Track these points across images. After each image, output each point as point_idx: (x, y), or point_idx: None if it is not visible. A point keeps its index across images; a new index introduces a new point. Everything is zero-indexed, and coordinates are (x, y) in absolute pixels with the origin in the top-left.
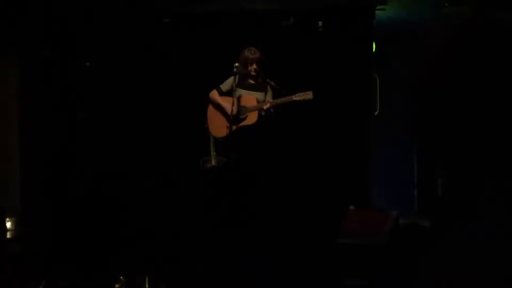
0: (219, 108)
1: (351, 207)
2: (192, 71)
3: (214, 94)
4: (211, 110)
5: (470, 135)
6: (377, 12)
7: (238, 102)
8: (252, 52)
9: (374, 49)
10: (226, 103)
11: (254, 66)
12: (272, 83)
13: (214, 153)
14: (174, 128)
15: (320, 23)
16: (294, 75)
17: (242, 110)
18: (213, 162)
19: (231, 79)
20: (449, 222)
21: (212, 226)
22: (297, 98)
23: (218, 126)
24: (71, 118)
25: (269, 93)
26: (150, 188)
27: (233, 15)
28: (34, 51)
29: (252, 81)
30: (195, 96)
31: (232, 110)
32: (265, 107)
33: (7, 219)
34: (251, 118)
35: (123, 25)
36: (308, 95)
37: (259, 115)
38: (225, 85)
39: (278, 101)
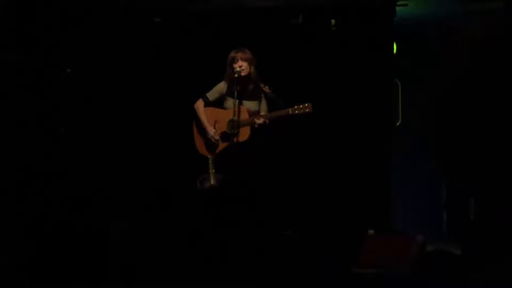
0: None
1: (371, 231)
2: (186, 76)
3: (198, 106)
4: (196, 123)
5: (505, 148)
6: (398, 8)
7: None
8: (240, 50)
9: (395, 51)
10: (208, 121)
11: (239, 63)
12: (267, 89)
13: (213, 171)
14: (166, 142)
15: (333, 21)
16: (303, 81)
17: (231, 125)
18: (212, 181)
19: (219, 86)
20: (483, 249)
21: (213, 256)
22: (295, 112)
23: (204, 143)
24: (48, 134)
25: (264, 102)
26: (140, 213)
27: (234, 13)
28: (4, 56)
29: (246, 87)
30: (190, 104)
31: (213, 133)
32: (258, 121)
33: None
34: (243, 134)
35: (109, 26)
36: (307, 108)
37: (252, 128)
38: (213, 93)
39: (273, 115)
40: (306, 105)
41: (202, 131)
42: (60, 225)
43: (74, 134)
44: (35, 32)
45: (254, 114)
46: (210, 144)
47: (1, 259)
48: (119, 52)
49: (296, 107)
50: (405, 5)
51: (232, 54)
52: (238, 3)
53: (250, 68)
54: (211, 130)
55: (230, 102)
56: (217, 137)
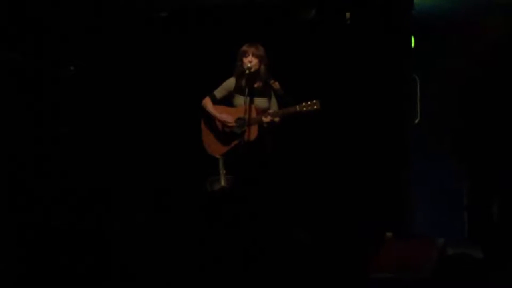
0: (212, 120)
1: (388, 234)
2: (192, 73)
3: (206, 103)
4: (204, 122)
5: None
6: (416, 1)
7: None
8: (253, 45)
9: (413, 45)
10: (223, 114)
11: (250, 58)
12: (276, 85)
13: (224, 172)
14: (173, 141)
15: (347, 14)
16: (317, 78)
17: (239, 123)
18: (223, 183)
19: (227, 82)
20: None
21: (223, 258)
22: (302, 109)
23: (213, 142)
24: (51, 134)
25: (273, 98)
26: (144, 217)
27: (242, 7)
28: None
29: (254, 85)
30: (196, 103)
31: (228, 119)
32: (265, 120)
33: None
34: (251, 133)
35: (112, 22)
36: (315, 104)
37: (260, 127)
38: (221, 91)
39: (281, 112)
40: (314, 101)
41: (211, 129)
42: (60, 225)
43: (78, 134)
44: (35, 32)
45: (264, 111)
46: (222, 140)
47: (1, 260)
48: (124, 50)
49: (304, 104)
50: None
51: (244, 47)
52: None
53: (260, 66)
54: (225, 117)
55: (239, 100)
56: (231, 122)
